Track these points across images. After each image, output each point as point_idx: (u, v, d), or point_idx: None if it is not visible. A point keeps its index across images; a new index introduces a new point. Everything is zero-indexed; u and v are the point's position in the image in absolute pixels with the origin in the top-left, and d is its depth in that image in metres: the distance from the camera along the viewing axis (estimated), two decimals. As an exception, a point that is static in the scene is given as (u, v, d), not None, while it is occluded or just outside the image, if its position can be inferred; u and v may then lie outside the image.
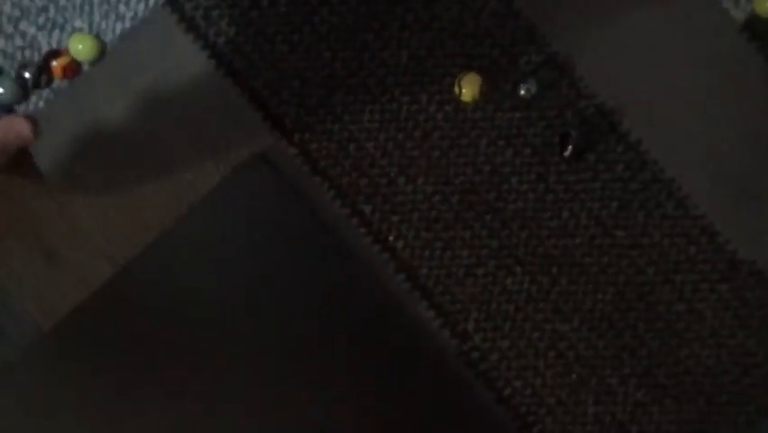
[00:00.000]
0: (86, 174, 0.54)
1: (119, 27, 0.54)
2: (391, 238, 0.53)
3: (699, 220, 0.52)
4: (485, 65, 0.53)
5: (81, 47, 0.45)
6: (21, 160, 0.45)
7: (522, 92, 0.50)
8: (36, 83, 0.44)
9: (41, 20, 0.54)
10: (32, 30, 0.54)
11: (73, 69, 0.45)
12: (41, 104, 0.54)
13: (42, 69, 0.44)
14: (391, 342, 0.52)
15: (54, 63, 0.44)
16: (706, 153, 0.52)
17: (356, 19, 0.53)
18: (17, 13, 0.54)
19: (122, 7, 0.54)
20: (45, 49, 0.53)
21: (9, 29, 0.54)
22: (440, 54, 0.53)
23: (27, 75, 0.44)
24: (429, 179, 0.53)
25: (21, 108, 0.46)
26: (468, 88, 0.51)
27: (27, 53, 0.54)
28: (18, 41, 0.54)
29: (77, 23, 0.54)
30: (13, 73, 0.44)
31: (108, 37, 0.54)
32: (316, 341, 0.51)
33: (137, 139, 0.54)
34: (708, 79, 0.53)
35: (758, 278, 0.52)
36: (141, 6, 0.54)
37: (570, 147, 0.51)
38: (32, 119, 0.42)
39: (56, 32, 0.54)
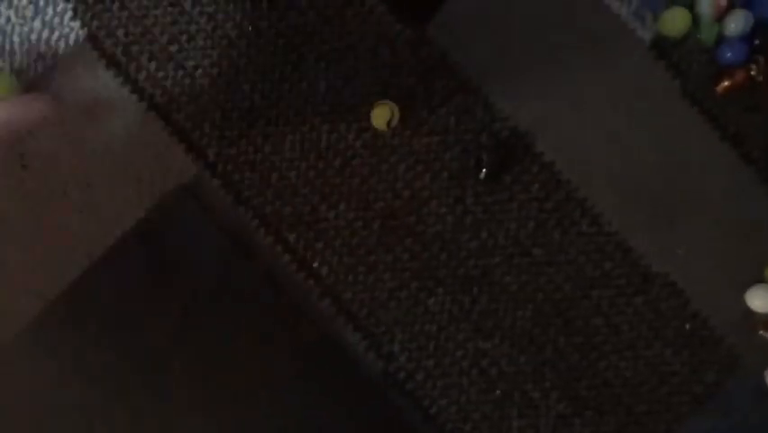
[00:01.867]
0: (10, 209, 0.55)
1: (41, 65, 0.54)
2: (316, 264, 0.54)
3: (613, 236, 0.54)
4: (401, 93, 0.54)
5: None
6: None
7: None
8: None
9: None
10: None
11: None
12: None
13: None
14: (318, 367, 0.53)
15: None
16: (618, 171, 0.54)
17: (274, 51, 0.54)
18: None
19: (42, 46, 0.54)
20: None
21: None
22: (357, 84, 0.54)
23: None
24: (351, 206, 0.54)
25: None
26: (380, 117, 0.52)
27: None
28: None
29: (-2, 63, 0.54)
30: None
31: (30, 74, 0.55)
32: (242, 368, 0.52)
33: (61, 172, 0.54)
34: (618, 98, 0.54)
35: (671, 289, 0.54)
36: (62, 44, 0.54)
37: (483, 170, 0.53)
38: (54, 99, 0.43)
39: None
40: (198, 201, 0.54)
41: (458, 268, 0.54)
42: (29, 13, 0.54)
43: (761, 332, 0.53)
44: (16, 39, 0.54)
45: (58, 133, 0.54)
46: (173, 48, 0.54)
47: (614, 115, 0.54)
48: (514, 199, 0.54)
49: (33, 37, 0.54)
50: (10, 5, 0.54)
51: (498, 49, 0.54)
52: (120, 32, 0.54)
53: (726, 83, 0.53)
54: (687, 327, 0.53)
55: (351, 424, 0.53)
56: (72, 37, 0.54)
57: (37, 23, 0.54)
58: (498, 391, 0.54)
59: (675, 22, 0.52)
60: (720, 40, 0.53)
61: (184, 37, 0.54)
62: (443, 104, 0.54)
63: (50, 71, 0.54)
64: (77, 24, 0.54)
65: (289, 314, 0.53)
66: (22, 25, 0.54)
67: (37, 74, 0.55)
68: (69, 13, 0.54)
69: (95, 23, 0.54)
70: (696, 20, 0.53)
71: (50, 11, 0.54)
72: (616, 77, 0.54)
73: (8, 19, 0.54)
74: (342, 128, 0.54)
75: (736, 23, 0.52)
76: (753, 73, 0.52)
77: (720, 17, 0.53)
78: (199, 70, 0.54)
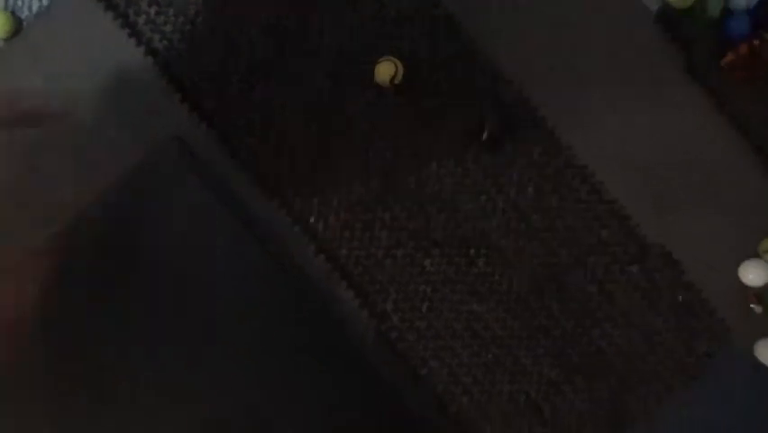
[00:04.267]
0: (2, 156, 0.53)
1: (35, 5, 0.53)
2: (311, 220, 0.53)
3: (611, 205, 0.54)
4: (406, 52, 0.53)
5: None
6: None
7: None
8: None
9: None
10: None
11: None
12: (-47, 81, 0.52)
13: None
14: (309, 323, 0.52)
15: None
16: (618, 141, 0.54)
17: (277, 7, 0.53)
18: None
19: (38, -16, 0.53)
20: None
21: None
22: (360, 42, 0.53)
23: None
24: (350, 163, 0.53)
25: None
26: (384, 73, 0.51)
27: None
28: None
29: (-8, 0, 0.53)
30: None
31: (24, 14, 0.53)
32: (233, 324, 0.51)
33: (53, 117, 0.53)
34: (622, 69, 0.54)
35: (666, 260, 0.54)
36: (59, -16, 0.53)
37: (486, 133, 0.52)
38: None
39: (-31, 8, 0.53)
40: (191, 152, 0.53)
41: (455, 230, 0.53)
42: (26, -51, 0.53)
43: (752, 305, 0.53)
44: (11, -24, 0.53)
45: (49, 75, 0.52)
46: (174, -7, 0.53)
47: (616, 84, 0.54)
48: (514, 164, 0.54)
49: (29, -26, 0.53)
50: (6, -59, 0.53)
51: (505, 13, 0.54)
52: (120, -26, 0.53)
53: (729, 57, 0.53)
54: (680, 298, 0.54)
55: (339, 383, 0.52)
56: (70, -23, 0.53)
57: (34, -39, 0.53)
58: (489, 356, 0.54)
59: (683, -9, 0.52)
60: (726, 13, 0.53)
61: (186, -17, 0.53)
62: (447, 65, 0.53)
63: (45, 11, 0.53)
64: (75, -36, 0.53)
65: (281, 268, 0.52)
66: (18, -38, 0.53)
67: (32, 13, 0.53)
68: (68, -48, 0.53)
69: (94, -37, 0.53)
70: (703, -9, 0.53)
71: (47, -52, 0.53)
72: (620, 47, 0.54)
73: (4, -46, 0.53)
74: (345, 84, 0.53)
75: (743, -5, 0.52)
76: (757, 47, 0.52)
77: (727, -11, 0.53)
78: (200, 18, 0.53)
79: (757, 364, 0.52)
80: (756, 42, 0.52)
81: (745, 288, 0.53)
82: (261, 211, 0.53)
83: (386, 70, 0.51)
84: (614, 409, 0.53)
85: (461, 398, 0.53)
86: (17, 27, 0.53)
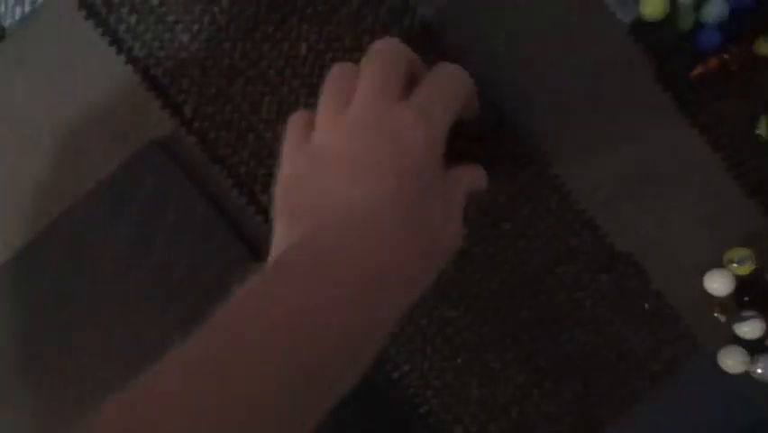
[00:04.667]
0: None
1: (18, 12, 0.54)
2: (288, 226, 0.54)
3: (581, 215, 0.55)
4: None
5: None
6: None
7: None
8: None
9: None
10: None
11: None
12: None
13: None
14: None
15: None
16: (590, 151, 0.55)
17: (256, 10, 0.54)
18: None
19: (21, -9, 0.54)
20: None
21: None
22: (338, 47, 0.54)
23: None
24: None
25: None
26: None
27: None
28: None
29: (-25, 6, 0.54)
30: None
31: (7, 21, 0.54)
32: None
33: (35, 122, 0.54)
34: (595, 79, 0.55)
35: (635, 269, 0.55)
36: (42, -9, 0.54)
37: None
38: None
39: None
40: (172, 157, 0.54)
41: (428, 237, 0.54)
42: (9, -44, 0.54)
43: (715, 314, 0.54)
44: (-5, -18, 0.54)
45: (33, 82, 0.53)
46: (154, 1, 0.54)
47: (590, 95, 0.55)
48: (486, 172, 0.55)
49: (12, -18, 0.54)
50: (-11, -52, 0.54)
51: (480, 24, 0.55)
52: (101, -18, 0.54)
53: (699, 70, 0.54)
54: (646, 306, 0.55)
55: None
56: (52, -16, 0.54)
57: (16, -32, 0.54)
58: (459, 360, 0.55)
59: (655, 5, 0.53)
60: (698, 26, 0.54)
61: (166, -9, 0.54)
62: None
63: (28, 18, 0.54)
64: (57, -29, 0.54)
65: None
66: (1, -31, 0.54)
67: (14, 21, 0.54)
68: (50, -40, 0.54)
69: (76, -29, 0.54)
70: (675, 4, 0.54)
71: (30, -44, 0.54)
72: (593, 56, 0.55)
73: (-13, -38, 0.54)
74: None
75: (713, 10, 0.52)
76: (726, 60, 0.53)
77: (698, 3, 0.53)
78: (179, 25, 0.54)
79: (720, 372, 0.54)
80: (726, 56, 0.53)
81: (711, 297, 0.54)
82: (243, 216, 0.55)
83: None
84: (581, 413, 0.55)
85: (432, 400, 0.55)
86: (0, 34, 0.54)
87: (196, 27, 0.54)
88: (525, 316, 0.55)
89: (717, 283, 0.53)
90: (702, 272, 0.54)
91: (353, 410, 0.54)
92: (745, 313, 0.53)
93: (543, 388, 0.55)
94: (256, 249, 0.54)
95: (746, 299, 0.54)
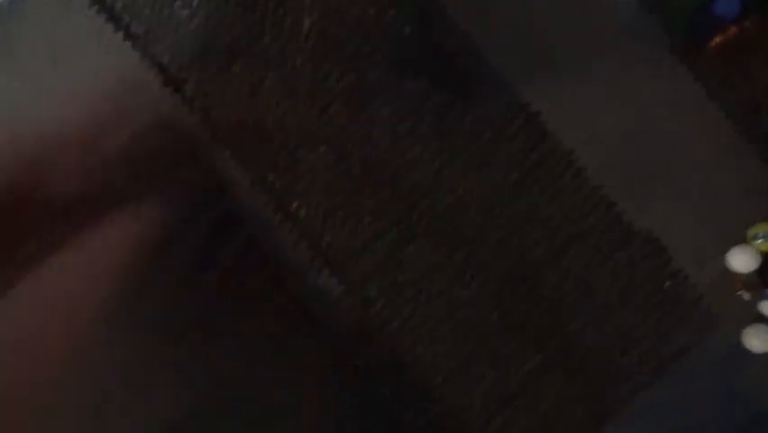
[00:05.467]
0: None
1: (13, -11, 0.52)
2: (294, 207, 0.53)
3: (596, 191, 0.53)
4: (387, 39, 0.52)
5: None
6: None
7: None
8: None
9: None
10: None
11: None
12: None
13: None
14: (290, 311, 0.52)
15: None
16: (603, 124, 0.53)
17: (257, -15, 0.52)
18: None
19: (15, -32, 0.52)
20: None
21: None
22: (342, 23, 0.53)
23: None
24: (331, 149, 0.53)
25: None
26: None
27: None
28: None
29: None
30: None
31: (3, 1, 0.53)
32: (213, 310, 0.51)
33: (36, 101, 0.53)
34: (608, 53, 0.53)
35: (653, 247, 0.53)
36: (37, -32, 0.52)
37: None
38: None
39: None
40: (175, 136, 0.52)
41: (437, 218, 0.53)
42: (2, -67, 0.52)
43: (739, 292, 0.52)
44: (-12, -40, 0.52)
45: (25, 60, 0.52)
46: (153, -24, 0.52)
47: (602, 69, 0.53)
48: (498, 150, 0.53)
49: (6, -42, 0.52)
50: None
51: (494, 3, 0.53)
52: (98, -42, 0.52)
53: (718, 39, 0.52)
54: (666, 284, 0.53)
55: (322, 372, 0.52)
56: (47, -39, 0.52)
57: (11, -56, 0.52)
58: (469, 346, 0.53)
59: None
60: (715, -6, 0.52)
61: (164, -34, 0.52)
62: (429, 53, 0.52)
63: (22, -4, 0.52)
64: (52, -53, 0.52)
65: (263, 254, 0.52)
66: (-6, -55, 0.52)
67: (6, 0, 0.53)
68: (45, -64, 0.52)
69: (71, -54, 0.52)
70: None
71: (24, -68, 0.52)
72: (606, 28, 0.53)
73: (-20, -62, 0.52)
74: (325, 69, 0.52)
75: (732, -25, 0.51)
76: (746, 28, 0.51)
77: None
78: (179, 1, 0.52)
79: (744, 351, 0.52)
80: (746, 24, 0.51)
81: (733, 274, 0.52)
82: (245, 198, 0.53)
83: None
84: (592, 399, 0.53)
85: (443, 386, 0.53)
86: (-5, 11, 0.52)
87: (196, 2, 0.52)
88: (534, 303, 0.53)
89: (741, 261, 0.52)
90: (725, 250, 0.52)
91: (353, 410, 0.52)
92: (770, 290, 0.51)
93: (554, 374, 0.53)
94: (258, 225, 0.53)
95: (771, 275, 0.52)
